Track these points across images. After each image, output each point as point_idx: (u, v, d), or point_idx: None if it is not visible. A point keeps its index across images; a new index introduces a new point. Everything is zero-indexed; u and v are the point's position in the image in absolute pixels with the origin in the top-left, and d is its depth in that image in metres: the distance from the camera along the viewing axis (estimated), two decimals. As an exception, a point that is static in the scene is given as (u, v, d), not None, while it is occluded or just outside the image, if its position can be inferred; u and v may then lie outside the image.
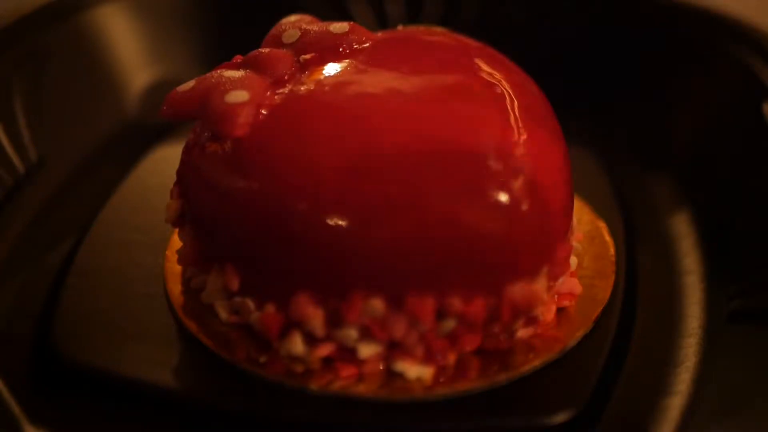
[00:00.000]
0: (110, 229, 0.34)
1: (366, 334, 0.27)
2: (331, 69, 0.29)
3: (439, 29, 0.33)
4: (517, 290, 0.27)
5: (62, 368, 0.29)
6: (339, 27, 0.31)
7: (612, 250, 0.33)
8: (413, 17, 0.44)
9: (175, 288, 0.31)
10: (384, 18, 0.44)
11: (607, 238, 0.33)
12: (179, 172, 0.30)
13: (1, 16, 0.38)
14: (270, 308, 0.28)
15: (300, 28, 0.31)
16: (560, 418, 0.27)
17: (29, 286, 0.32)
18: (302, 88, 0.29)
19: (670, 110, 0.39)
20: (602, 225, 0.34)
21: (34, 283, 0.32)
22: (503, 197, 0.27)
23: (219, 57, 0.31)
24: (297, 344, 0.27)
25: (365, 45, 0.30)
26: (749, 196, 0.34)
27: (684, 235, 0.34)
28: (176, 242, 0.31)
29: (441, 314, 0.27)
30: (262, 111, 0.28)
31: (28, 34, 0.39)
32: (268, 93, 0.29)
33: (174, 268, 0.32)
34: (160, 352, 0.29)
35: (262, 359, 0.28)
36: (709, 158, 0.36)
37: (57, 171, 0.37)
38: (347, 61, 0.30)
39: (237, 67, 0.30)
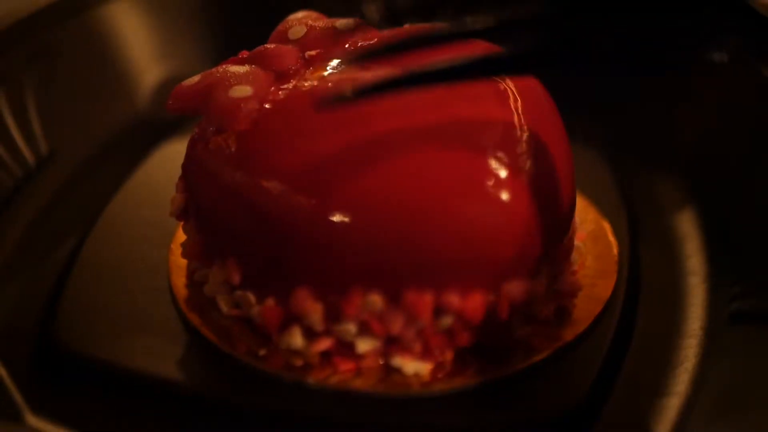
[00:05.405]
0: (117, 222, 0.34)
1: (364, 329, 0.27)
2: (335, 65, 0.29)
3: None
4: (516, 287, 0.27)
5: (66, 359, 0.29)
6: (345, 24, 0.31)
7: (615, 250, 0.33)
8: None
9: (179, 281, 0.31)
10: (390, 16, 0.44)
11: (611, 238, 0.33)
12: (184, 166, 0.30)
13: (8, 14, 0.38)
14: (270, 302, 0.28)
15: (306, 25, 0.31)
16: (558, 416, 0.27)
17: (36, 278, 0.32)
18: (306, 84, 0.29)
19: (676, 111, 0.39)
20: (607, 225, 0.34)
21: (41, 275, 0.32)
22: (503, 194, 0.27)
23: (228, 53, 0.32)
24: (296, 338, 0.28)
25: (370, 42, 0.30)
26: (754, 197, 0.34)
27: (688, 235, 0.34)
28: (181, 236, 0.32)
29: (439, 310, 0.27)
30: (266, 106, 0.28)
31: (40, 30, 0.39)
32: (272, 88, 0.29)
33: (178, 262, 0.32)
34: (162, 344, 0.29)
35: (262, 352, 0.28)
36: (714, 159, 0.36)
37: (67, 165, 0.37)
38: (352, 57, 0.30)
39: (242, 62, 0.30)
